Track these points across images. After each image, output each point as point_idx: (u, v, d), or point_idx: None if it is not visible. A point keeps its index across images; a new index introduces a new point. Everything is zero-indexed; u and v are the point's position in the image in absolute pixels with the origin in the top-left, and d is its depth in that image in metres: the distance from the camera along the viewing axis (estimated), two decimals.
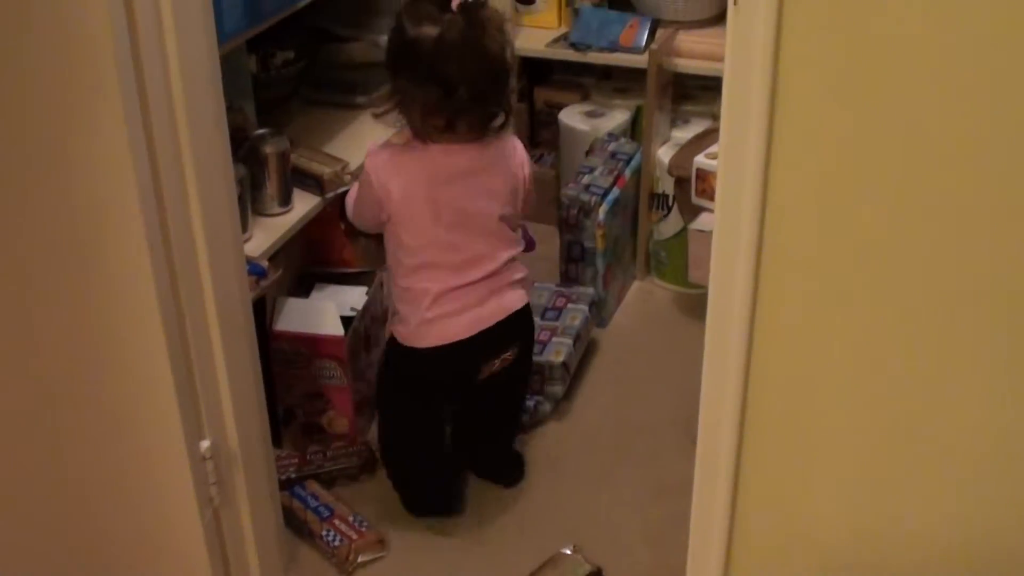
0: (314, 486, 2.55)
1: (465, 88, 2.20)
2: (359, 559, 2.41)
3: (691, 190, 2.87)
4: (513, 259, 2.40)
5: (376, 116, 2.41)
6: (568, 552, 2.39)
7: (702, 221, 2.90)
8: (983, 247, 1.30)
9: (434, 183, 2.26)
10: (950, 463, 1.45)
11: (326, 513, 2.48)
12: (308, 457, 2.62)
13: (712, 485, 1.60)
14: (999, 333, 1.34)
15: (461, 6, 2.19)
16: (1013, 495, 1.44)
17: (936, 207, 1.30)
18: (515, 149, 2.39)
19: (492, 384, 2.46)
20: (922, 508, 1.50)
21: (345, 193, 2.56)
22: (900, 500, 1.51)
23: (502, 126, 2.33)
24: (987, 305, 1.33)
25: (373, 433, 2.73)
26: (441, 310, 2.30)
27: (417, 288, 2.30)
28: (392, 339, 2.41)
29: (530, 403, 2.77)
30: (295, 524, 2.47)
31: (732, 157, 1.38)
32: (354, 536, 2.43)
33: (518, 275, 2.41)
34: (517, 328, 2.42)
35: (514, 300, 2.39)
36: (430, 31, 2.18)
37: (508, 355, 2.42)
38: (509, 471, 2.66)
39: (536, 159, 3.63)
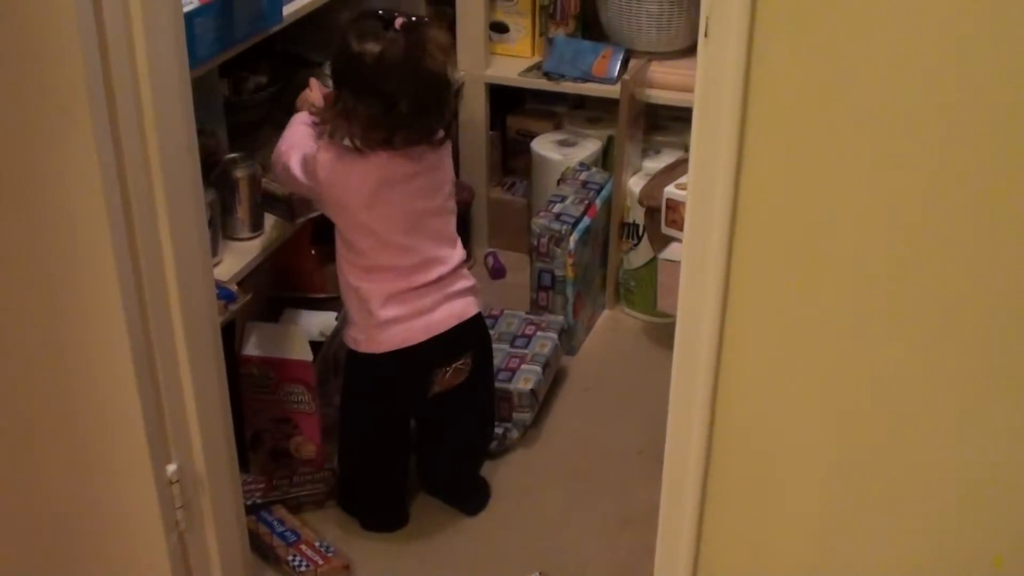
0: (281, 511, 2.54)
1: (405, 103, 2.25)
2: None
3: (661, 220, 2.88)
4: (462, 264, 2.44)
5: (317, 124, 2.43)
6: None
7: (672, 251, 2.91)
8: (950, 282, 1.31)
9: (384, 187, 2.29)
10: (913, 500, 1.46)
11: (292, 538, 2.47)
12: (274, 482, 2.61)
13: (678, 514, 1.60)
14: (964, 371, 1.35)
15: (404, 25, 2.25)
16: (974, 534, 1.45)
17: (905, 242, 1.31)
18: (448, 156, 2.44)
19: (453, 401, 2.49)
20: (884, 545, 1.51)
21: (315, 218, 2.57)
22: (863, 536, 1.51)
23: (442, 140, 2.38)
24: (954, 341, 1.34)
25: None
26: (392, 313, 2.33)
27: (367, 288, 2.33)
28: (348, 351, 2.44)
29: (498, 430, 2.77)
30: (261, 549, 2.46)
31: (701, 188, 1.39)
32: (320, 561, 2.42)
33: (467, 283, 2.45)
34: (470, 336, 2.46)
35: (465, 308, 2.43)
36: (373, 47, 2.23)
37: (461, 363, 2.45)
38: (474, 498, 2.66)
39: (508, 187, 3.64)
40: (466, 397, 2.53)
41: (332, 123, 2.32)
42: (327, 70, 2.39)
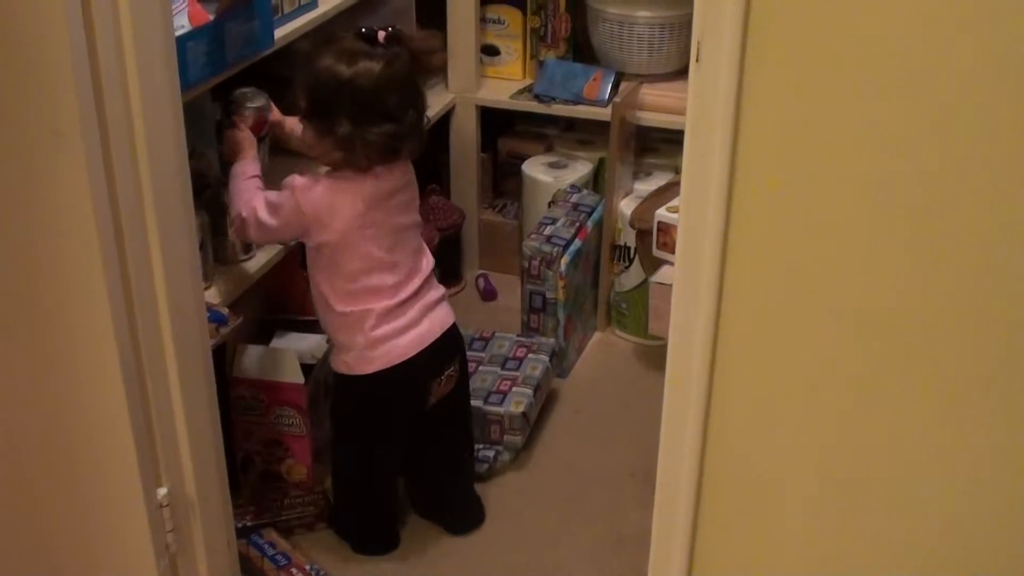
0: (271, 534, 2.53)
1: (412, 115, 2.26)
2: None
3: (652, 243, 2.89)
4: (432, 272, 2.45)
5: (321, 163, 2.39)
6: None
7: (663, 274, 2.91)
8: (943, 303, 1.31)
9: (372, 207, 2.28)
10: (907, 524, 1.46)
11: (283, 561, 2.46)
12: (265, 505, 2.60)
13: (670, 537, 1.60)
14: (959, 395, 1.35)
15: (388, 38, 2.24)
16: (968, 558, 1.45)
17: (896, 263, 1.31)
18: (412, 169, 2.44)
19: (443, 414, 2.50)
20: (878, 567, 1.51)
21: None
22: (856, 558, 1.51)
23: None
24: (948, 365, 1.34)
25: (330, 482, 2.72)
26: (384, 331, 2.33)
27: (358, 311, 2.33)
28: (338, 376, 2.43)
29: (489, 453, 2.77)
30: (252, 572, 2.45)
31: (693, 210, 1.39)
32: None
33: (440, 291, 2.46)
34: (454, 343, 2.49)
35: (446, 316, 2.46)
36: (368, 67, 2.21)
37: (451, 371, 2.47)
38: (468, 516, 2.67)
39: (499, 209, 3.64)
40: (455, 406, 2.55)
41: (330, 156, 2.30)
42: (300, 100, 2.31)
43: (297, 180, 2.29)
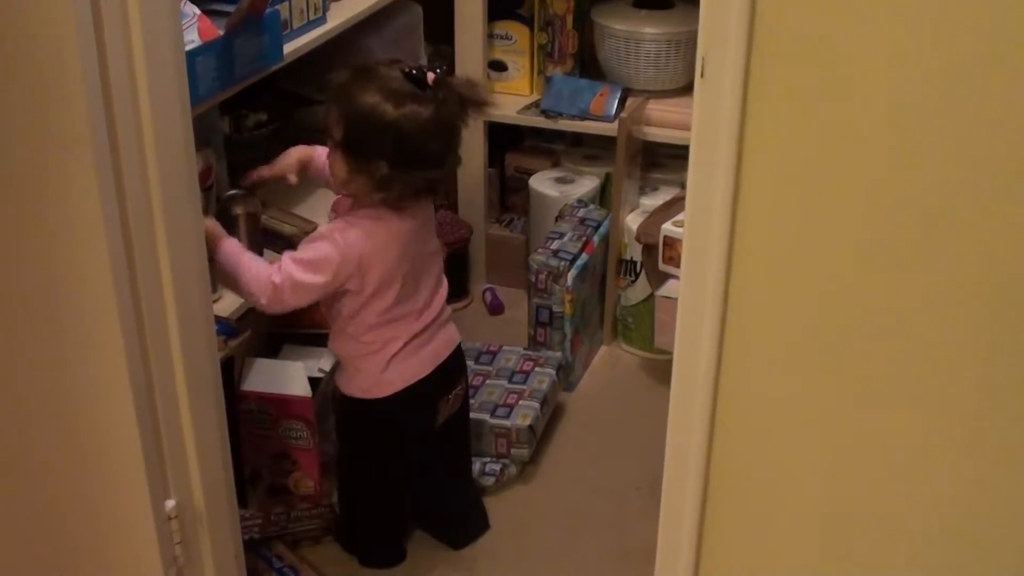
0: (279, 548, 2.54)
1: (453, 159, 2.24)
2: None
3: (658, 257, 2.89)
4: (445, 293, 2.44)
5: (351, 196, 2.30)
6: None
7: (669, 288, 2.92)
8: (946, 308, 1.32)
9: (407, 246, 2.27)
10: (913, 534, 1.46)
11: (291, 575, 2.46)
12: (272, 518, 2.61)
13: (675, 549, 1.60)
14: (966, 403, 1.36)
15: (437, 81, 2.16)
16: (975, 565, 1.46)
17: (898, 273, 1.32)
18: None
19: (448, 430, 2.52)
20: None
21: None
22: (862, 569, 1.51)
23: None
24: (955, 366, 1.35)
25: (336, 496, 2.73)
26: (404, 354, 2.33)
27: (385, 338, 2.31)
28: (348, 399, 2.42)
29: (496, 466, 2.78)
30: None
31: (698, 225, 1.40)
32: None
33: (448, 311, 2.45)
34: (461, 361, 2.49)
35: (453, 334, 2.45)
36: (418, 111, 2.13)
37: (459, 389, 2.48)
38: (476, 522, 2.69)
39: (506, 224, 3.66)
40: (460, 423, 2.57)
41: (364, 192, 2.22)
42: (334, 130, 2.19)
43: (334, 232, 2.21)
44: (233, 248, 2.24)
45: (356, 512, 2.60)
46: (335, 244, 2.20)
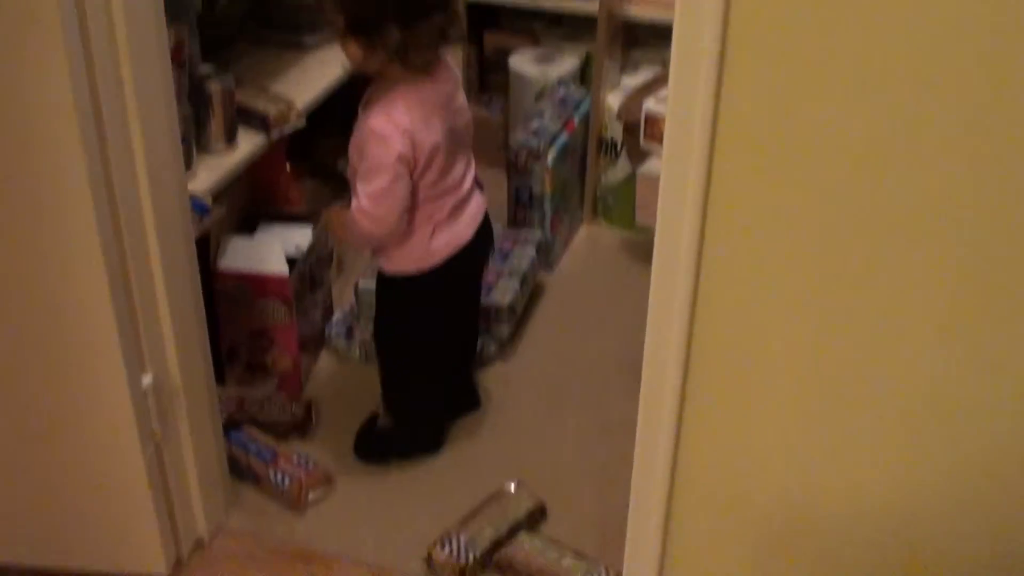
0: (252, 431, 2.54)
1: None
2: (310, 496, 2.41)
3: (640, 135, 2.88)
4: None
5: (375, 75, 2.24)
6: (511, 488, 2.41)
7: (650, 166, 2.91)
8: (936, 186, 1.32)
9: (444, 115, 2.23)
10: (890, 414, 1.47)
11: (269, 455, 2.46)
12: (244, 405, 2.60)
13: (655, 423, 1.61)
14: (942, 285, 1.36)
15: None
16: (944, 455, 1.47)
17: (881, 178, 1.31)
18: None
19: (475, 299, 2.57)
20: (855, 465, 1.53)
21: (292, 134, 2.54)
22: (838, 441, 1.53)
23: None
24: (933, 253, 1.35)
25: (314, 384, 2.74)
26: (449, 222, 2.31)
27: (431, 208, 2.27)
28: (395, 280, 2.38)
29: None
30: (237, 469, 2.44)
31: (681, 102, 1.38)
32: (302, 475, 2.43)
33: (475, 174, 2.41)
34: (490, 227, 2.45)
35: (483, 200, 2.42)
36: None
37: (491, 251, 2.51)
38: (473, 398, 2.71)
39: (485, 104, 3.62)
40: (477, 294, 2.60)
41: (384, 67, 2.17)
42: (335, 19, 2.14)
43: (375, 110, 2.18)
44: (340, 221, 2.34)
45: (410, 399, 2.57)
46: (378, 141, 2.16)
